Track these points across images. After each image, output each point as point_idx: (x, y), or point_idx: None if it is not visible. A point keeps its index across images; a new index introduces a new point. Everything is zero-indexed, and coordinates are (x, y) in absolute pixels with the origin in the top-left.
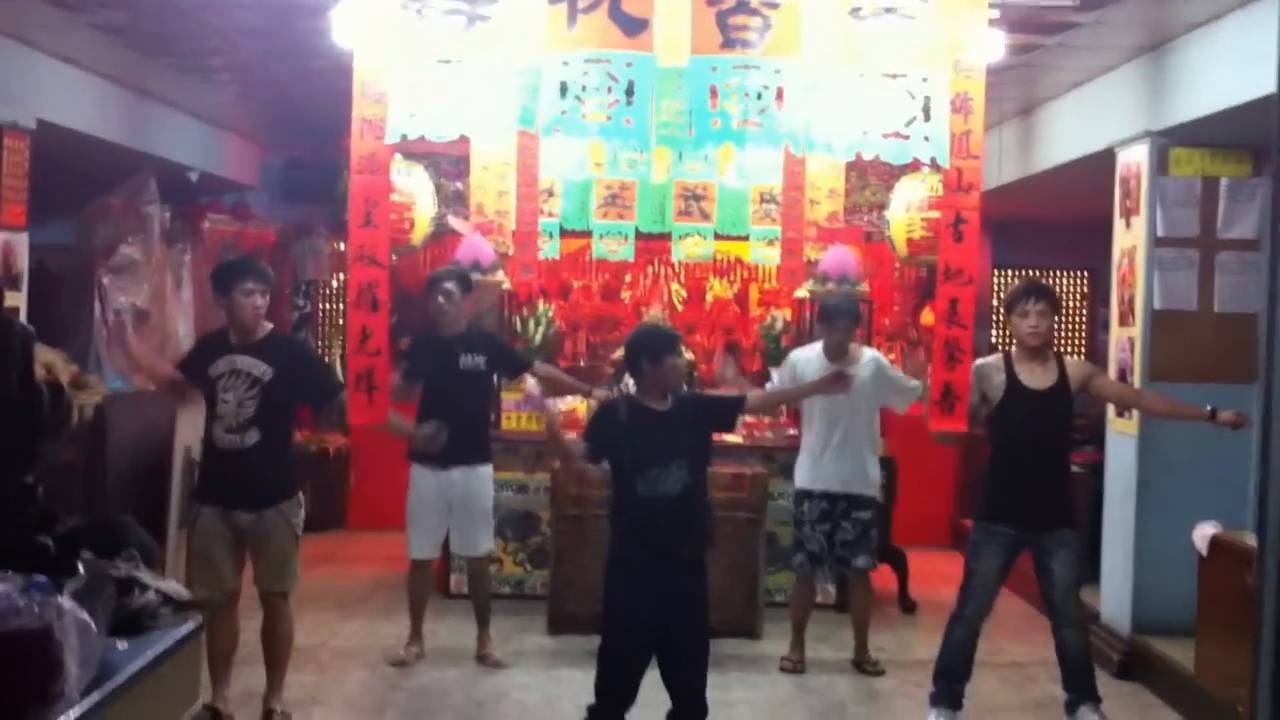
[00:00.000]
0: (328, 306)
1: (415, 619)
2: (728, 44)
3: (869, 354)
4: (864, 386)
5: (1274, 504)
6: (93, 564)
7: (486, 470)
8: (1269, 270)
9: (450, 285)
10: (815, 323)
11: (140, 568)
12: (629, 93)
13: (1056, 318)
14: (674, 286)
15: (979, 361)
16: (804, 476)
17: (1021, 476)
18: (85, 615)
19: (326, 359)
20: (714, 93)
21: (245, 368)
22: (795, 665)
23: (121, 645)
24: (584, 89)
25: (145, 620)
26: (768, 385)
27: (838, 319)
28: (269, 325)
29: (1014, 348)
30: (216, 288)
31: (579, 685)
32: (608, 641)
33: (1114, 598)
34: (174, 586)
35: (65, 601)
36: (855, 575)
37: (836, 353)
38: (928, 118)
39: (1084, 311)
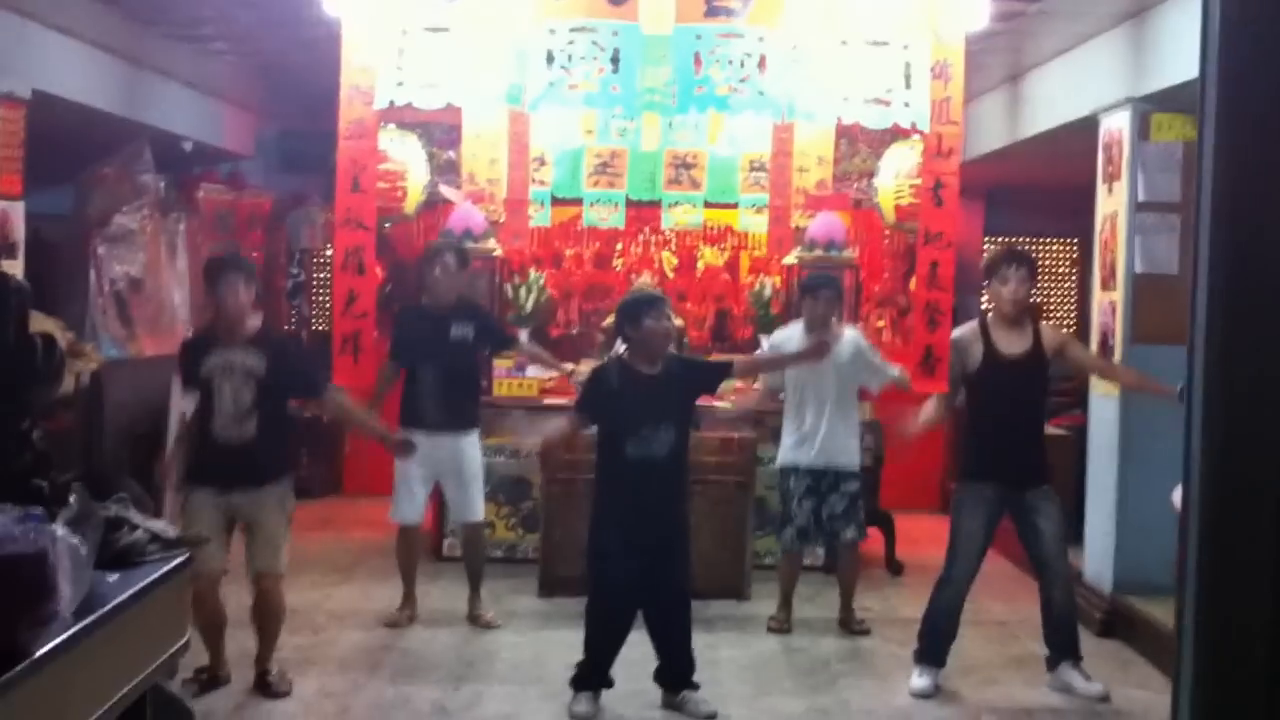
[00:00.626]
0: (322, 276)
1: (406, 582)
2: (711, 13)
3: (849, 333)
4: (843, 364)
5: (1195, 463)
6: (82, 495)
7: (474, 437)
8: (1194, 237)
9: (449, 258)
10: (799, 297)
11: (130, 509)
12: (614, 61)
13: (1034, 284)
14: (665, 255)
15: (956, 333)
16: (788, 454)
17: (1000, 438)
18: (76, 540)
19: (316, 331)
20: (698, 61)
21: (239, 361)
22: (781, 625)
23: (111, 578)
24: (570, 58)
25: (134, 556)
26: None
27: (820, 290)
28: (257, 321)
29: (990, 314)
30: (205, 282)
31: (569, 644)
32: (595, 597)
33: (1096, 558)
34: (162, 526)
35: (58, 529)
36: (844, 546)
37: (819, 326)
38: (908, 84)
39: (1074, 278)
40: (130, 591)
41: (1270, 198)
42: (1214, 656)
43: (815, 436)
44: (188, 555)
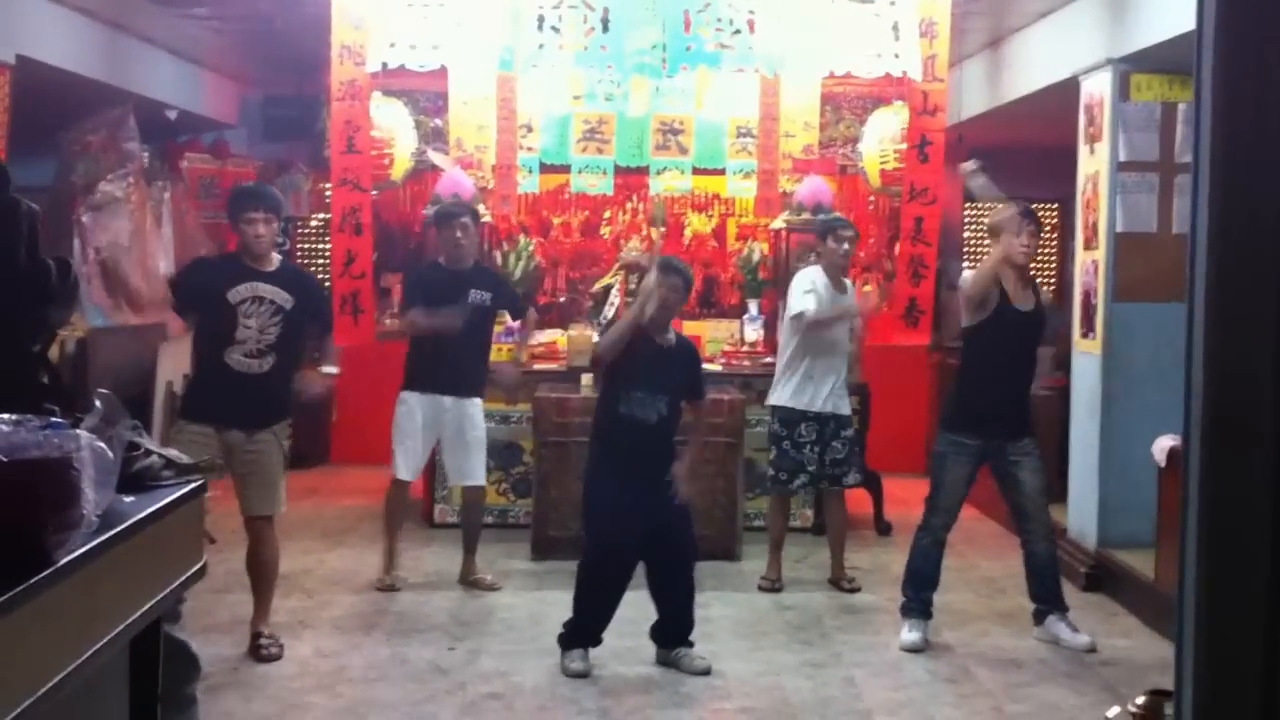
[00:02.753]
0: (307, 246)
1: (389, 539)
2: None
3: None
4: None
5: (1194, 412)
6: (108, 400)
7: (478, 403)
8: (1192, 197)
9: (466, 220)
10: (818, 238)
11: (143, 434)
12: (605, 22)
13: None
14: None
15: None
16: (800, 399)
17: (995, 389)
18: (102, 444)
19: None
20: (687, 21)
21: (269, 295)
22: (773, 584)
23: (128, 499)
24: (560, 19)
25: (148, 480)
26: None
27: (841, 230)
28: (279, 255)
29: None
30: (228, 214)
31: (563, 605)
32: (587, 552)
33: (1080, 513)
34: (174, 453)
35: (83, 434)
36: (837, 492)
37: (838, 269)
38: (897, 37)
39: (1055, 242)
40: (151, 509)
41: (1267, 149)
42: (1214, 616)
43: (821, 384)
44: (203, 481)
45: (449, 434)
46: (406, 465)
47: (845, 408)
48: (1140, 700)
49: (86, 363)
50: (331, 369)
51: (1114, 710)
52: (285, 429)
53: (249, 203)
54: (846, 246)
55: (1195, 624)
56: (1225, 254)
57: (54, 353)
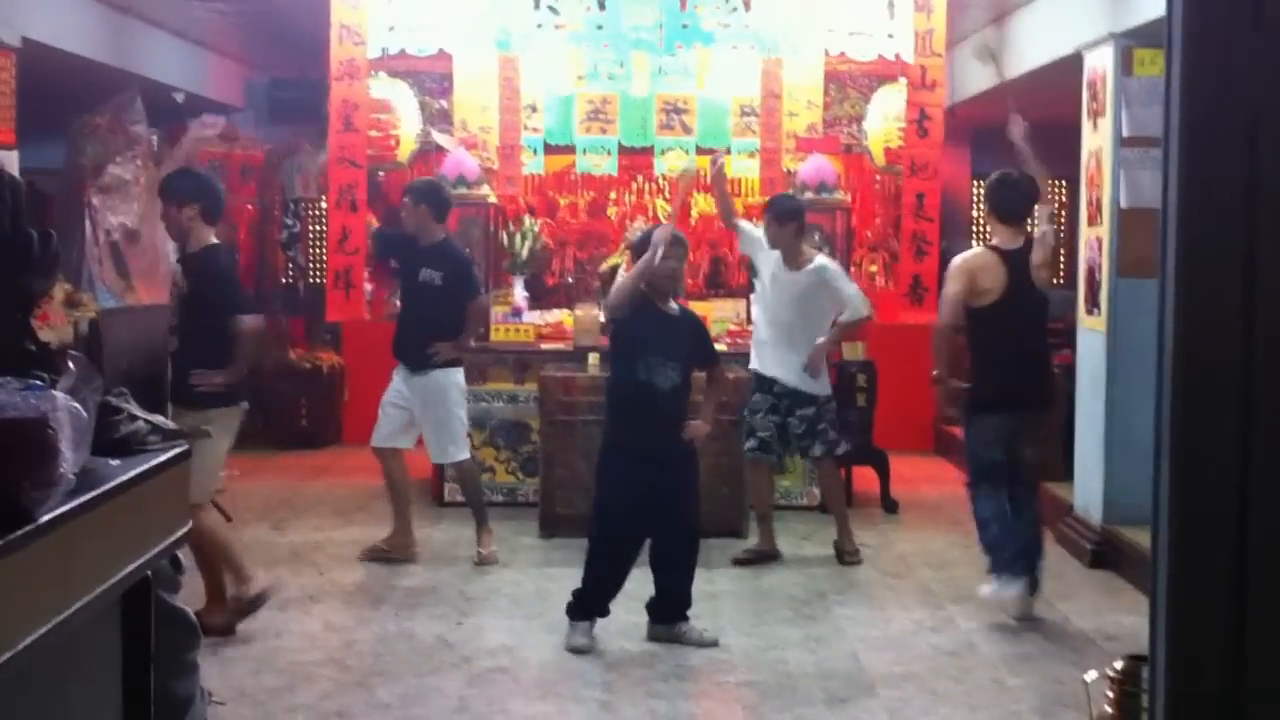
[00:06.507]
0: (318, 228)
1: (395, 510)
2: None
3: (818, 260)
4: (811, 291)
5: (1165, 395)
6: (82, 362)
7: (444, 378)
8: (1164, 169)
9: (405, 198)
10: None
11: (129, 401)
12: (601, 1)
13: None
14: (659, 202)
15: (969, 256)
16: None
17: (1022, 363)
18: (77, 405)
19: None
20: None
21: (176, 277)
22: (753, 558)
23: (113, 462)
24: None
25: (134, 445)
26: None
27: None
28: (208, 240)
29: (997, 242)
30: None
31: (570, 581)
32: (599, 522)
33: (1086, 490)
34: (161, 419)
35: (59, 395)
36: (816, 464)
37: (786, 255)
38: (892, 16)
39: (1062, 219)
40: (133, 472)
41: (1230, 128)
42: (1184, 582)
43: (776, 357)
44: (188, 446)
45: (419, 411)
46: (378, 430)
47: (806, 385)
48: (1118, 665)
49: (100, 343)
50: (216, 375)
51: (1091, 674)
52: (201, 419)
53: (161, 191)
54: (771, 231)
55: (1167, 589)
56: (1193, 229)
57: (68, 333)
